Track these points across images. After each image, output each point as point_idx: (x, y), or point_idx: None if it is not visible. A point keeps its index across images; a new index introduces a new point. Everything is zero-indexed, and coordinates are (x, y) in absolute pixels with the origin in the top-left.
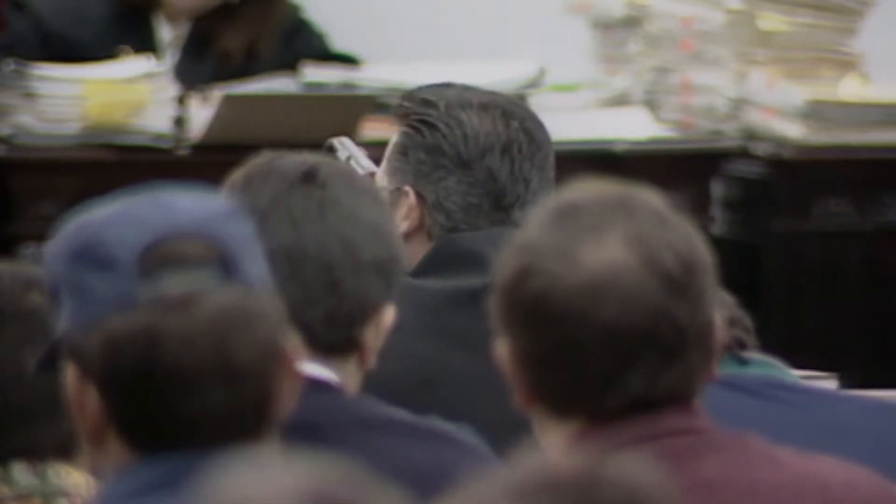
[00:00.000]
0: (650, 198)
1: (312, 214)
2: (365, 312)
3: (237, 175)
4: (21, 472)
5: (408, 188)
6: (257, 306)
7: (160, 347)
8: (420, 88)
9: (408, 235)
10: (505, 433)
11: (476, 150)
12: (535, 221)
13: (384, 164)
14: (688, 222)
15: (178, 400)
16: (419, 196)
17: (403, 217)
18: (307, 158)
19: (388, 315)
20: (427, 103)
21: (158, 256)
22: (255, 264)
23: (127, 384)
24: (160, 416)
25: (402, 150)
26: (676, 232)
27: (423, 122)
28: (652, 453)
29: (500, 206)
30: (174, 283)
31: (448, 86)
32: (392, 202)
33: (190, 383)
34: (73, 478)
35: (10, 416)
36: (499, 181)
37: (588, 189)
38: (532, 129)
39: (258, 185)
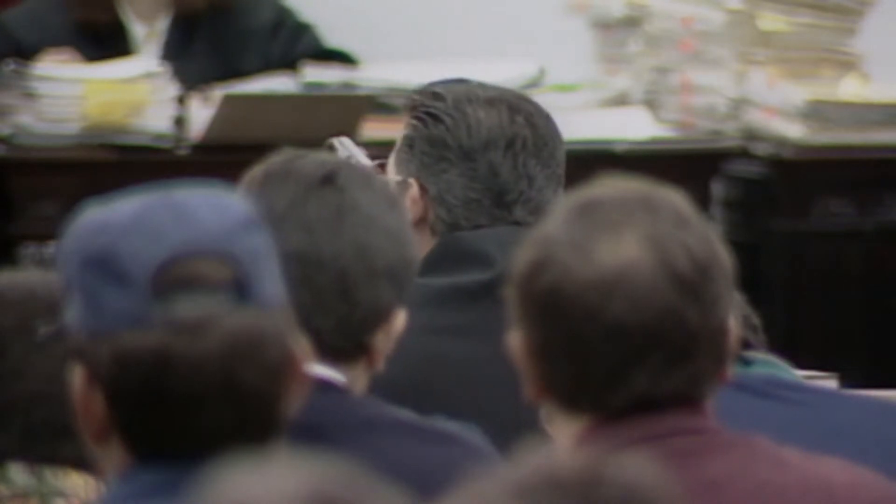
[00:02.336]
0: (673, 198)
1: (329, 220)
2: (377, 319)
3: (256, 172)
4: (18, 472)
5: (411, 180)
6: (269, 327)
7: (169, 370)
8: (433, 83)
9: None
10: (509, 426)
11: (479, 143)
12: (556, 216)
13: (393, 155)
14: (708, 224)
15: (184, 418)
16: (422, 188)
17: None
18: (327, 160)
19: (400, 319)
20: (435, 96)
21: (172, 277)
22: (270, 280)
23: (134, 399)
24: (164, 430)
25: (409, 143)
26: (695, 233)
27: (429, 114)
28: (657, 453)
29: (501, 202)
30: (187, 306)
31: (462, 82)
32: (398, 194)
33: (197, 405)
34: (71, 478)
35: (42, 429)
36: (500, 176)
37: (611, 186)
38: (538, 125)
39: (276, 185)
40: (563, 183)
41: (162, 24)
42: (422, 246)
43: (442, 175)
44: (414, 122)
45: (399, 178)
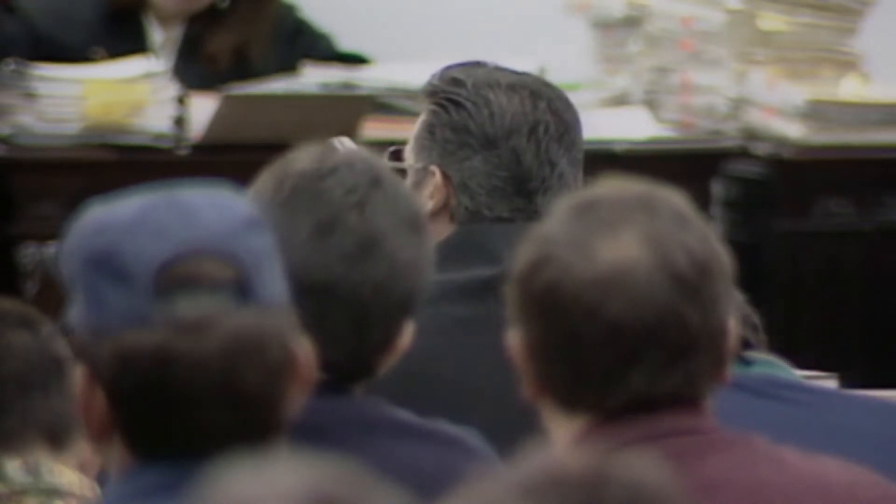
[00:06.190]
0: (672, 198)
1: (351, 256)
2: (387, 346)
3: (285, 182)
4: (15, 470)
5: (434, 167)
6: (270, 327)
7: (170, 369)
8: (450, 67)
9: (432, 214)
10: (514, 423)
11: (502, 130)
12: (556, 214)
13: (411, 142)
14: (708, 225)
15: (185, 418)
16: (445, 176)
17: (429, 196)
18: (359, 182)
19: (408, 334)
20: (455, 82)
21: (174, 276)
22: (272, 280)
23: (134, 398)
24: (165, 430)
25: (430, 129)
26: (694, 233)
27: (450, 100)
28: (655, 453)
29: (524, 190)
30: (189, 306)
31: (479, 65)
32: (418, 181)
33: (197, 405)
34: (66, 476)
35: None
36: (524, 163)
37: (610, 186)
38: (560, 110)
39: (302, 207)
40: (582, 168)
41: (178, 31)
42: (440, 232)
43: (465, 162)
44: (434, 108)
45: (420, 165)
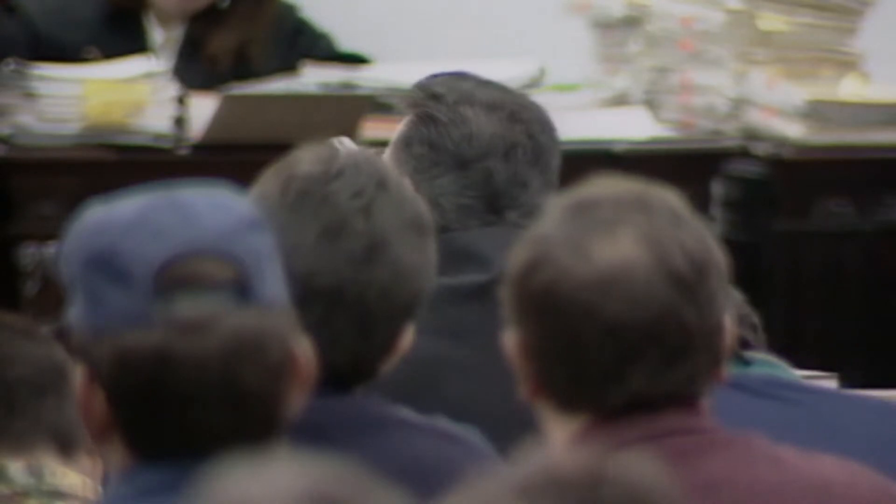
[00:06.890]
0: (667, 197)
1: (357, 261)
2: (390, 350)
3: (290, 185)
4: (17, 471)
5: (405, 180)
6: (270, 328)
7: (170, 370)
8: (434, 77)
9: None
10: (506, 428)
11: (477, 152)
12: (551, 215)
13: (389, 150)
14: (703, 224)
15: (185, 418)
16: (416, 189)
17: None
18: (366, 186)
19: (408, 337)
20: (435, 97)
21: (174, 276)
22: (272, 280)
23: (134, 399)
24: (165, 430)
25: (406, 142)
26: (691, 233)
27: (428, 115)
28: (654, 452)
29: (494, 207)
30: (188, 306)
31: (462, 77)
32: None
33: (197, 405)
34: (70, 478)
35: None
36: (495, 184)
37: (605, 185)
38: (537, 133)
39: (309, 211)
40: (555, 188)
41: (178, 31)
42: None
43: (436, 180)
44: (413, 120)
45: None
